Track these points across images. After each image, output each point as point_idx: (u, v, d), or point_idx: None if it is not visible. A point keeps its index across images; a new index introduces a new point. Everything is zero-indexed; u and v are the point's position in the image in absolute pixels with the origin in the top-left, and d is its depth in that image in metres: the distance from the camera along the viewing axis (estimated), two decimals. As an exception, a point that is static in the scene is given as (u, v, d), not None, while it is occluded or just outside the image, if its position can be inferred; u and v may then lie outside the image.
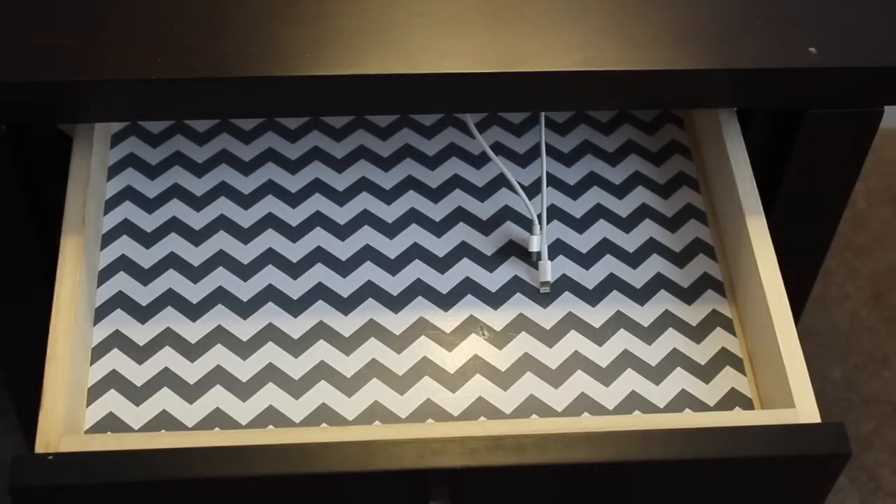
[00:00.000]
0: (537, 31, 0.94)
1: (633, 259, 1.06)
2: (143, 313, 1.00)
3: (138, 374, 0.97)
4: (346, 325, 1.00)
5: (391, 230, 1.06)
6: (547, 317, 1.02)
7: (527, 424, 0.89)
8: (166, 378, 0.97)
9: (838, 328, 1.65)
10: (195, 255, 1.04)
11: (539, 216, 1.06)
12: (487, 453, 0.85)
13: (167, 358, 0.98)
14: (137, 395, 0.96)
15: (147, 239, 1.05)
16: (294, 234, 1.06)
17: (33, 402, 0.90)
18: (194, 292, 1.02)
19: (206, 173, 1.10)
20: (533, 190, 1.09)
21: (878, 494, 1.52)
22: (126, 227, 1.05)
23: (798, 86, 0.94)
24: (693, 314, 1.02)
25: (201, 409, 0.95)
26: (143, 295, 1.01)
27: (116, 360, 0.97)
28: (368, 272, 1.03)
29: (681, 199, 1.10)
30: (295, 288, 1.02)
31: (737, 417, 0.92)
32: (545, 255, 1.04)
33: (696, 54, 0.93)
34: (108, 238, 1.04)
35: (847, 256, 1.72)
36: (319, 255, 1.05)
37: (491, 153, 1.07)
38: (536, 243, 1.04)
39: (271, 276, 1.02)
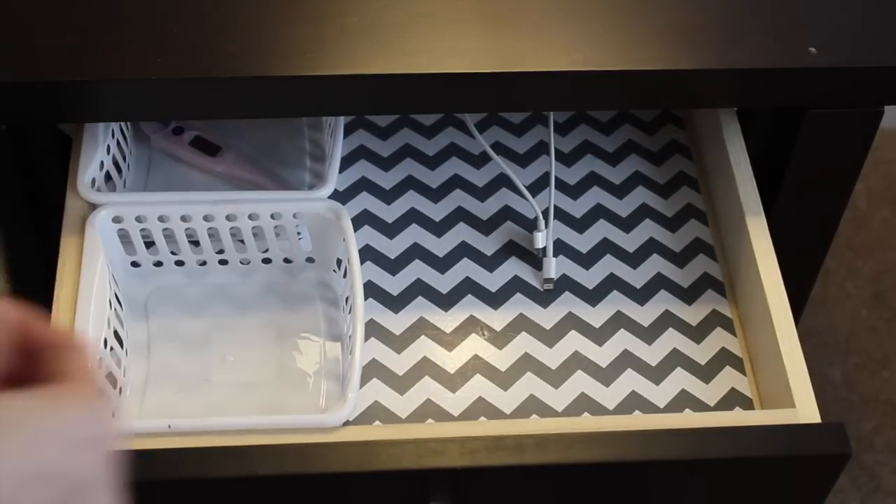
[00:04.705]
0: (537, 31, 0.93)
1: (633, 259, 1.05)
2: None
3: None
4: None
5: (391, 230, 1.06)
6: (547, 317, 1.02)
7: (527, 424, 0.89)
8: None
9: (838, 328, 1.65)
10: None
11: (545, 211, 1.06)
12: (487, 453, 0.85)
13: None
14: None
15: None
16: (294, 234, 1.06)
17: (33, 402, 0.89)
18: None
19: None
20: (533, 190, 1.09)
21: (877, 494, 1.52)
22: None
23: (798, 86, 0.94)
24: (693, 314, 1.02)
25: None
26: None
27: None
28: (368, 272, 1.03)
29: (681, 199, 1.10)
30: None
31: (737, 417, 0.92)
32: (550, 251, 1.04)
33: (696, 54, 0.93)
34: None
35: (847, 256, 1.72)
36: (319, 255, 1.05)
37: (492, 153, 1.07)
38: (541, 239, 1.04)
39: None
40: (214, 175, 1.07)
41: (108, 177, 1.03)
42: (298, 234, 1.00)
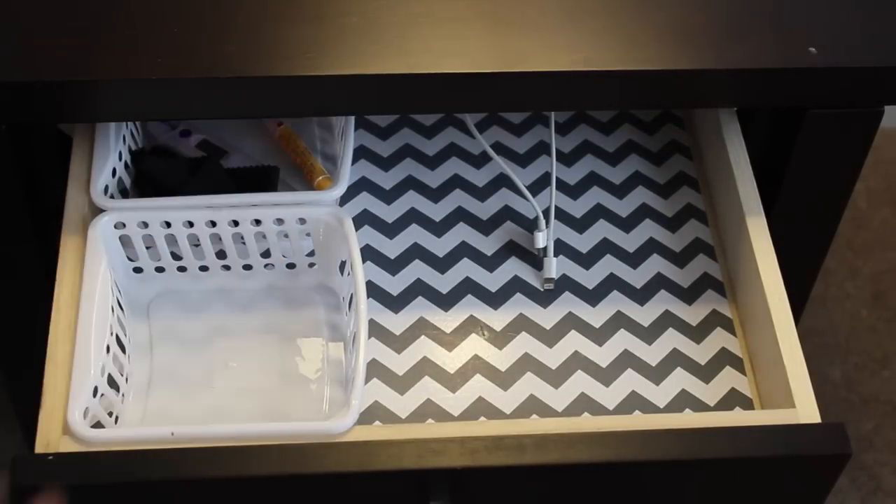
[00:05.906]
0: (537, 31, 0.94)
1: (633, 259, 1.05)
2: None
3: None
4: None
5: (391, 230, 1.06)
6: (547, 317, 1.02)
7: (527, 424, 0.89)
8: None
9: (838, 328, 1.65)
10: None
11: (546, 210, 1.06)
12: (487, 453, 0.85)
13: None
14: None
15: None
16: (294, 234, 1.06)
17: (33, 402, 0.90)
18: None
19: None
20: (533, 190, 1.09)
21: (877, 494, 1.52)
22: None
23: (798, 86, 0.94)
24: (693, 314, 1.02)
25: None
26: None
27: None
28: (368, 272, 1.03)
29: (681, 199, 1.10)
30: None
31: (737, 417, 0.92)
32: (551, 251, 1.04)
33: (696, 54, 0.93)
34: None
35: (847, 256, 1.72)
36: (319, 255, 1.05)
37: (492, 153, 1.07)
38: (542, 239, 1.04)
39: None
40: None
41: (120, 182, 1.03)
42: (307, 234, 1.00)
